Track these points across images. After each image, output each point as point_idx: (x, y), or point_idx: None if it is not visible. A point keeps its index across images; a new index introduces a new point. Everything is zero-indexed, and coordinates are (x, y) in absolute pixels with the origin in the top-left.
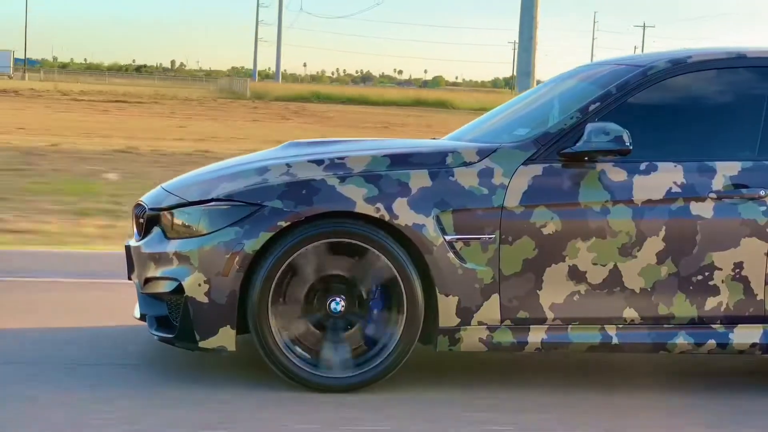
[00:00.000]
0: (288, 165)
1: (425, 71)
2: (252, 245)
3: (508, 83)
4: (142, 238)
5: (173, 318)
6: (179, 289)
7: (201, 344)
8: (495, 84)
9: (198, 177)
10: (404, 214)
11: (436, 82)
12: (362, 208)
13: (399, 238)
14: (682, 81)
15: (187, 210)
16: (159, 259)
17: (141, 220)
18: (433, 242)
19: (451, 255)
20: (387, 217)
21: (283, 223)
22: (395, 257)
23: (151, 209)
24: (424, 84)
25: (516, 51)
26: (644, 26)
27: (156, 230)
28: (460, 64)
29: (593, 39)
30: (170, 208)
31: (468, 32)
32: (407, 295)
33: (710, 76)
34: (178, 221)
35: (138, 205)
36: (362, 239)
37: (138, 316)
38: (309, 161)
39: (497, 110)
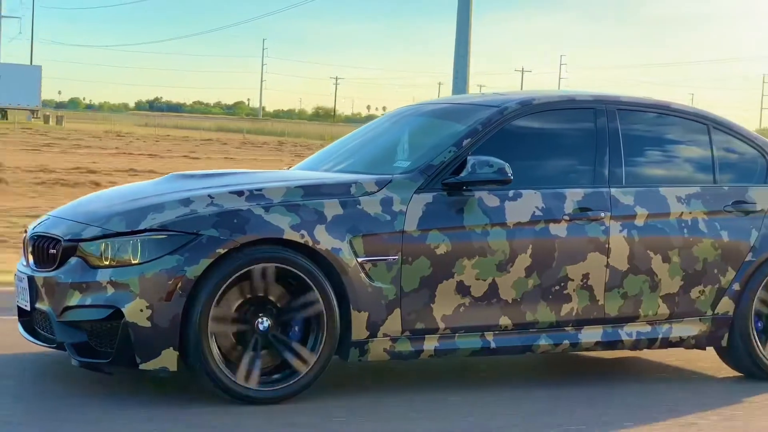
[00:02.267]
0: (210, 196)
1: None
2: (193, 271)
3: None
4: (57, 267)
5: (96, 344)
6: (115, 316)
7: (142, 366)
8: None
9: (111, 207)
10: (324, 240)
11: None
12: (290, 234)
13: (319, 261)
14: (530, 119)
15: (117, 240)
16: (87, 288)
17: (52, 251)
18: (348, 264)
19: (362, 275)
20: (311, 243)
21: (222, 251)
22: (318, 279)
23: (69, 240)
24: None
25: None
26: (523, 70)
27: (75, 260)
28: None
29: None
30: (95, 239)
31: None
32: (327, 313)
33: (551, 115)
34: (107, 251)
35: (41, 237)
36: (290, 263)
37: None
38: (230, 192)
39: (345, 141)
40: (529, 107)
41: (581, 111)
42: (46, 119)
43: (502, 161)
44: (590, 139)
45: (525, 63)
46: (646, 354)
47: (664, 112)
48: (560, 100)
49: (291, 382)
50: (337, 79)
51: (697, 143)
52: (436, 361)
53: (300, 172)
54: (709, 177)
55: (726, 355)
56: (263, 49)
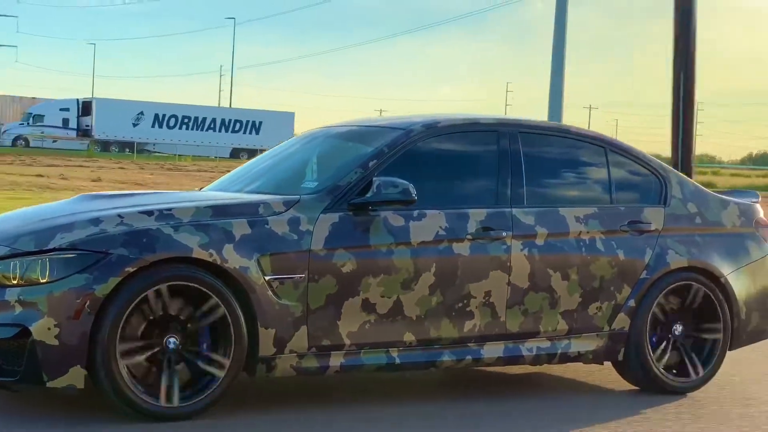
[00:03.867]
0: (120, 216)
1: None
2: (102, 290)
3: None
4: None
5: (3, 362)
6: (22, 334)
7: (50, 384)
8: None
9: (21, 227)
10: (232, 259)
11: None
12: (198, 253)
13: (228, 279)
14: (434, 142)
15: (25, 259)
16: None
17: None
18: (256, 282)
19: (269, 293)
20: (219, 261)
21: (131, 269)
22: (225, 297)
23: None
24: None
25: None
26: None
27: None
28: None
29: None
30: (4, 258)
31: None
32: (235, 330)
33: (455, 138)
34: (15, 270)
35: None
36: (198, 282)
37: None
38: (140, 212)
39: (256, 162)
40: (434, 129)
41: (485, 134)
42: None
43: (406, 182)
44: (493, 160)
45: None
46: (546, 369)
47: (563, 135)
48: (464, 123)
49: (212, 389)
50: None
51: (595, 165)
52: (345, 377)
53: (210, 193)
54: (606, 198)
55: (622, 369)
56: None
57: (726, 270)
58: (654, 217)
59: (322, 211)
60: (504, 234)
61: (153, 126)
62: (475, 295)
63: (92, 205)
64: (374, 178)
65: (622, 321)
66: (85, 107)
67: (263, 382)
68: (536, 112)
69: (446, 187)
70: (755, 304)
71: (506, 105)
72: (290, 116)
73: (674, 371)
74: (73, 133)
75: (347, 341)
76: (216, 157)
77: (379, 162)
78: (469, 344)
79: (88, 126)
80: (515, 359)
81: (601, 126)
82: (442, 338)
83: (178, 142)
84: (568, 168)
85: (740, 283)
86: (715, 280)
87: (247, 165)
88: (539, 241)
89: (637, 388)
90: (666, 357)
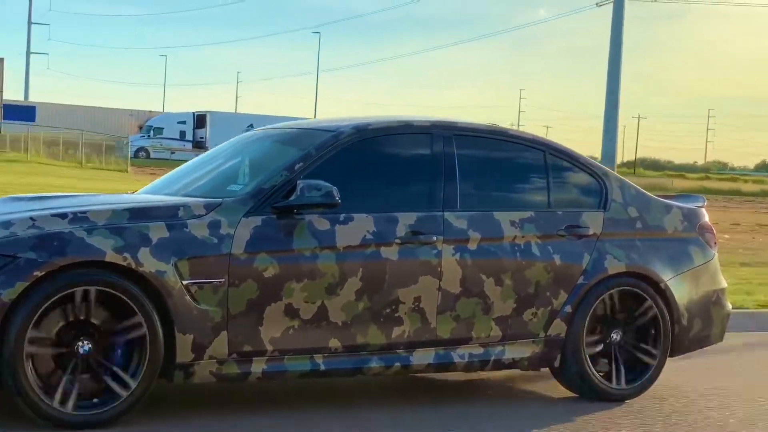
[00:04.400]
0: (32, 219)
1: None
2: (9, 294)
3: None
4: None
5: None
6: None
7: None
8: None
9: None
10: (148, 262)
11: None
12: (112, 257)
13: (143, 284)
14: (365, 144)
15: None
16: None
17: None
18: (173, 287)
19: (187, 298)
20: (134, 265)
21: (39, 273)
22: (140, 302)
23: None
24: None
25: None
26: None
27: None
28: None
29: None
30: None
31: None
32: (150, 336)
33: (386, 140)
34: None
35: None
36: (111, 286)
37: None
38: (53, 215)
39: (187, 168)
40: (365, 132)
41: (417, 136)
42: None
43: (329, 185)
44: (426, 163)
45: None
46: (487, 375)
47: (501, 138)
48: (396, 125)
49: (110, 407)
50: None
51: (533, 169)
52: (275, 384)
53: (130, 196)
54: (544, 201)
55: (560, 376)
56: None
57: (667, 275)
58: (593, 221)
59: (244, 214)
60: (434, 238)
61: None
62: (404, 301)
63: (11, 207)
64: (298, 181)
65: (558, 327)
66: (200, 120)
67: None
68: (546, 117)
69: (376, 190)
70: (698, 310)
71: (519, 111)
72: None
73: (613, 378)
74: (189, 145)
75: (270, 347)
76: None
77: (306, 165)
78: (398, 351)
79: (202, 138)
80: (446, 366)
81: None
82: (369, 344)
83: None
84: (504, 171)
85: (682, 289)
86: (654, 285)
87: (183, 167)
88: (472, 246)
89: (575, 395)
90: (604, 364)
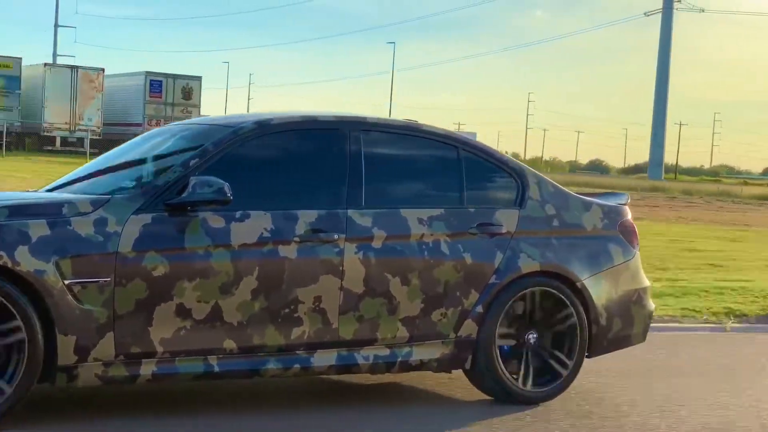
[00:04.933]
0: None
1: None
2: None
3: None
4: None
5: None
6: None
7: None
8: None
9: None
10: (26, 261)
11: None
12: None
13: (21, 284)
14: (267, 140)
15: None
16: None
17: None
18: (54, 286)
19: (69, 298)
20: (10, 264)
21: None
22: (17, 302)
23: None
24: None
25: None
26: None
27: None
28: None
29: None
30: None
31: None
32: (29, 337)
33: (289, 136)
34: None
35: None
36: None
37: None
38: None
39: (93, 164)
40: (267, 127)
41: (323, 132)
42: None
43: (221, 181)
44: (330, 160)
45: None
46: (401, 377)
47: (412, 133)
48: (301, 121)
49: None
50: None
51: (446, 165)
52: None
53: (13, 193)
54: (456, 199)
55: (472, 377)
56: None
57: (584, 274)
58: (507, 219)
59: (134, 211)
60: (336, 236)
61: None
62: (304, 301)
63: None
64: (191, 178)
65: (469, 328)
66: None
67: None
68: (556, 119)
69: (277, 187)
70: (617, 310)
71: (528, 114)
72: (473, 137)
73: (527, 379)
74: None
75: (160, 348)
76: None
77: (202, 161)
78: (297, 352)
79: None
80: (350, 368)
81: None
82: (266, 345)
83: None
84: (415, 168)
85: (600, 288)
86: (571, 285)
87: (91, 163)
88: (376, 244)
89: (490, 397)
90: (518, 365)
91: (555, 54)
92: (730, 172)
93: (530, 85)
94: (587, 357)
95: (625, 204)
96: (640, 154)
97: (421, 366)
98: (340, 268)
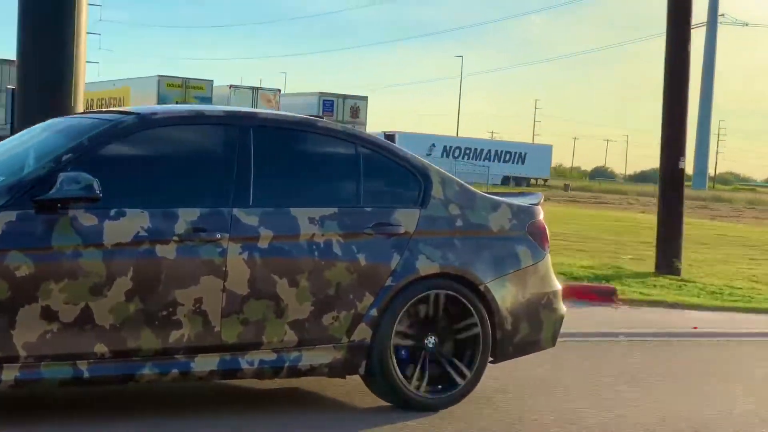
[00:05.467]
0: None
1: None
2: None
3: None
4: None
5: None
6: None
7: None
8: None
9: None
10: None
11: None
12: None
13: None
14: (149, 134)
15: None
16: None
17: None
18: None
19: None
20: None
21: None
22: None
23: None
24: None
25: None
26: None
27: None
28: None
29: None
30: None
31: None
32: None
33: (173, 131)
34: None
35: None
36: None
37: None
38: None
39: None
40: (149, 122)
41: (210, 126)
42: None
43: (90, 177)
44: (217, 156)
45: None
46: (298, 382)
47: (308, 130)
48: (187, 115)
49: None
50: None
51: (343, 163)
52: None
53: None
54: (354, 198)
55: (369, 383)
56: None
57: (487, 277)
58: (406, 219)
59: None
60: (219, 236)
61: (441, 156)
62: (183, 303)
63: None
64: (60, 174)
65: (363, 332)
66: (388, 139)
67: None
68: (562, 126)
69: (158, 184)
70: (524, 314)
71: (535, 121)
72: (548, 149)
73: (427, 385)
74: None
75: (23, 353)
76: (489, 183)
77: (76, 156)
78: (176, 356)
79: None
80: (233, 373)
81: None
82: (142, 349)
83: (461, 171)
84: (310, 165)
85: (506, 291)
86: (473, 287)
87: None
88: (262, 244)
89: (388, 403)
90: (416, 370)
91: (588, 64)
92: (737, 179)
93: (540, 93)
94: (491, 363)
95: (537, 204)
96: (644, 162)
97: (312, 371)
98: (223, 269)
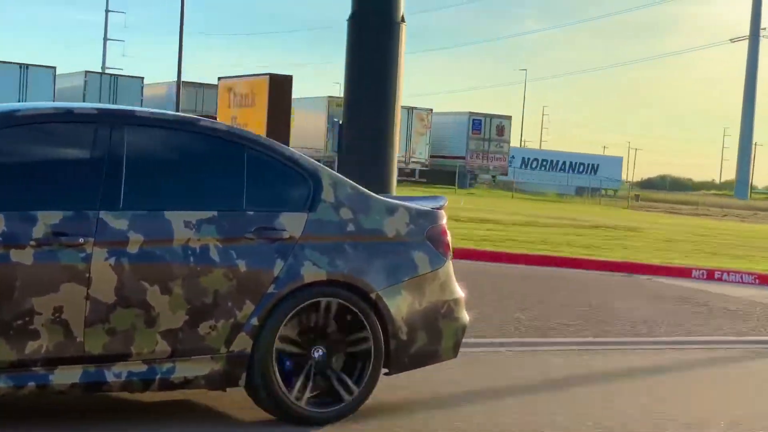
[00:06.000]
0: None
1: None
2: None
3: None
4: None
5: None
6: None
7: None
8: None
9: None
10: None
11: None
12: None
13: None
14: (10, 133)
15: None
16: None
17: None
18: None
19: None
20: None
21: None
22: None
23: None
24: None
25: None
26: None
27: None
28: None
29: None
30: None
31: None
32: None
33: (39, 129)
34: None
35: None
36: None
37: None
38: None
39: None
40: (11, 119)
41: (79, 125)
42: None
43: None
44: (85, 156)
45: None
46: (196, 393)
47: (188, 129)
48: (53, 113)
49: None
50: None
51: (226, 165)
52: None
53: None
54: (236, 201)
55: (252, 395)
56: None
57: (380, 285)
58: (292, 223)
59: None
60: (81, 240)
61: (520, 167)
62: (41, 311)
63: None
64: None
65: (243, 342)
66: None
67: None
68: (572, 133)
69: (17, 185)
70: (422, 324)
71: (542, 128)
72: (619, 160)
73: (314, 398)
74: None
75: None
76: (562, 194)
77: None
78: (33, 368)
79: None
80: (98, 386)
81: None
82: None
83: (537, 181)
84: (189, 167)
85: (401, 300)
86: (364, 296)
87: None
88: (132, 249)
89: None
90: (303, 383)
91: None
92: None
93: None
94: (386, 375)
95: (440, 207)
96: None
97: (187, 384)
98: (87, 275)
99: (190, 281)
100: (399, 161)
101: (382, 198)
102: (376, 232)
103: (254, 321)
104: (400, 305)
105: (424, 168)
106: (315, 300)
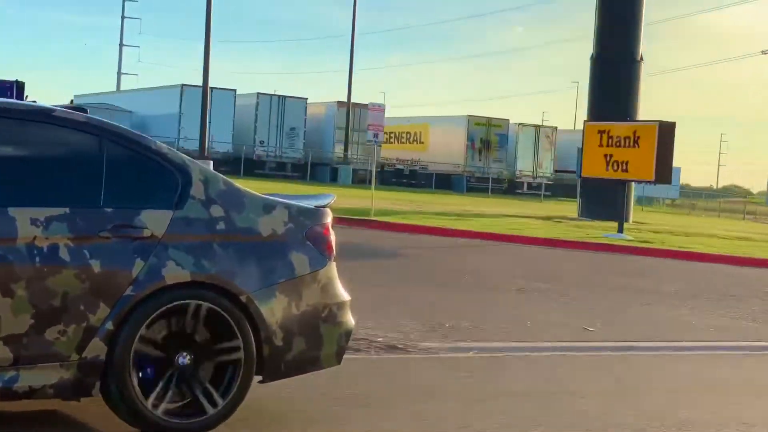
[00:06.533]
0: None
1: None
2: None
3: None
4: None
5: None
6: None
7: None
8: None
9: None
10: None
11: None
12: None
13: None
14: None
15: None
16: None
17: None
18: None
19: None
20: None
21: None
22: None
23: None
24: None
25: None
26: None
27: None
28: None
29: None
30: None
31: None
32: None
33: None
34: None
35: None
36: None
37: None
38: None
39: None
40: None
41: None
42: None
43: None
44: None
45: None
46: (61, 403)
47: (40, 120)
48: None
49: None
50: None
51: (82, 158)
52: None
53: None
54: (92, 197)
55: (110, 406)
56: None
57: (251, 287)
58: (154, 221)
59: None
60: None
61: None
62: None
63: None
64: None
65: (96, 348)
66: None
67: None
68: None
69: None
70: (299, 328)
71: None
72: (677, 171)
73: (176, 408)
74: None
75: None
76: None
77: None
78: None
79: None
80: None
81: None
82: None
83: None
84: (40, 160)
85: (275, 303)
86: (233, 298)
87: None
88: None
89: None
90: (162, 391)
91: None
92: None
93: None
94: (261, 383)
95: (326, 205)
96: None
97: (33, 393)
98: None
99: (36, 283)
100: (527, 175)
101: (259, 195)
102: (250, 231)
103: (109, 325)
104: (275, 309)
105: (549, 182)
106: (181, 303)
